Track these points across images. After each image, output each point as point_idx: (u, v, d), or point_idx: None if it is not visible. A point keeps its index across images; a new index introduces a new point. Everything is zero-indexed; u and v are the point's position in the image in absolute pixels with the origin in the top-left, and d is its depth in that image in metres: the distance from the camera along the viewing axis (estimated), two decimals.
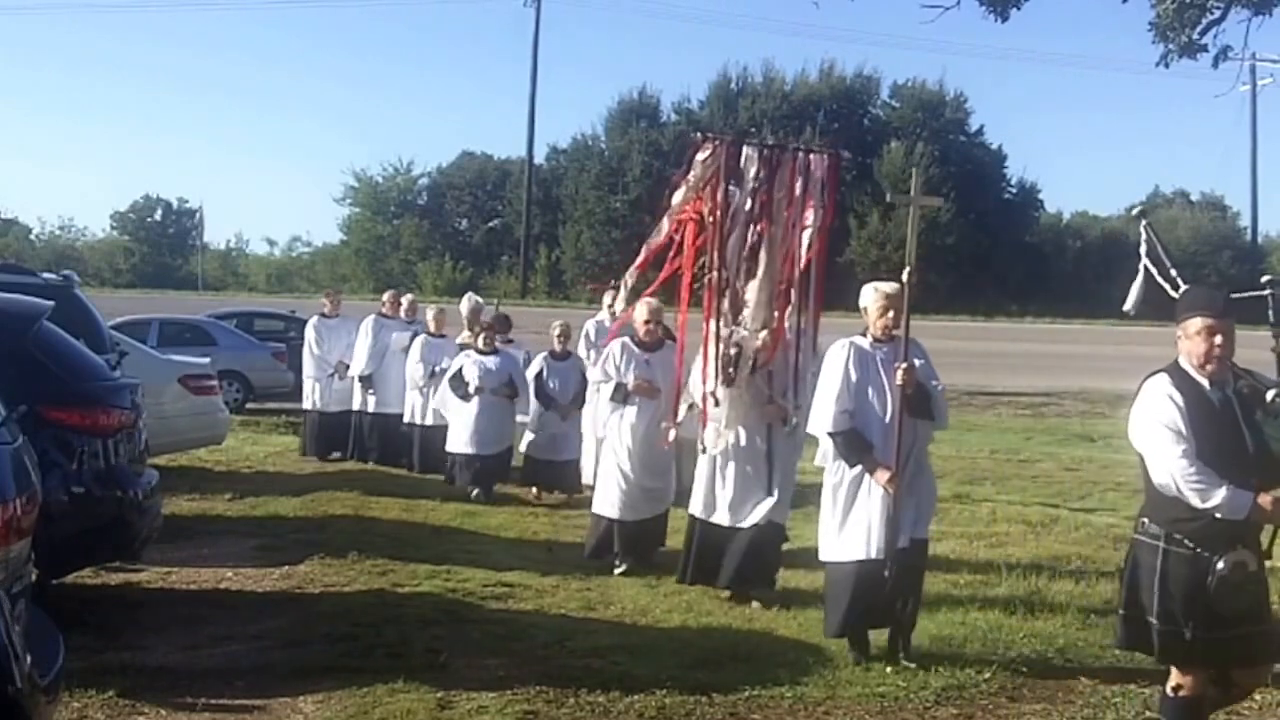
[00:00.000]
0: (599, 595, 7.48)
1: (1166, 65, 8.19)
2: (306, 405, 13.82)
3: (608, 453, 8.48)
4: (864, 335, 6.24)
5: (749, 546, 7.28)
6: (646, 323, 8.47)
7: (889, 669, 5.92)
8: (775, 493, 7.31)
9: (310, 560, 8.08)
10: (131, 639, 6.17)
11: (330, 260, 68.84)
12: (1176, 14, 7.72)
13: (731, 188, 7.18)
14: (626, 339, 8.51)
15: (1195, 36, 7.92)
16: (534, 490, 11.52)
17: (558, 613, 7.05)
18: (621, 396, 8.34)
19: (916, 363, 6.09)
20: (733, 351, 7.26)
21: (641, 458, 8.27)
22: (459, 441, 11.52)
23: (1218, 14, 7.90)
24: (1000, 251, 54.31)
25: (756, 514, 7.29)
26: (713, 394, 7.26)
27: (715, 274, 7.23)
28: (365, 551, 8.29)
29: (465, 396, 11.35)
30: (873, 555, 5.98)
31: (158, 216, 73.56)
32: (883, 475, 5.98)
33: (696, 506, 7.49)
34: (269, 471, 12.61)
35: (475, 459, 11.41)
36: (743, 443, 7.34)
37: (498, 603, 7.23)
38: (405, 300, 14.13)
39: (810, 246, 7.30)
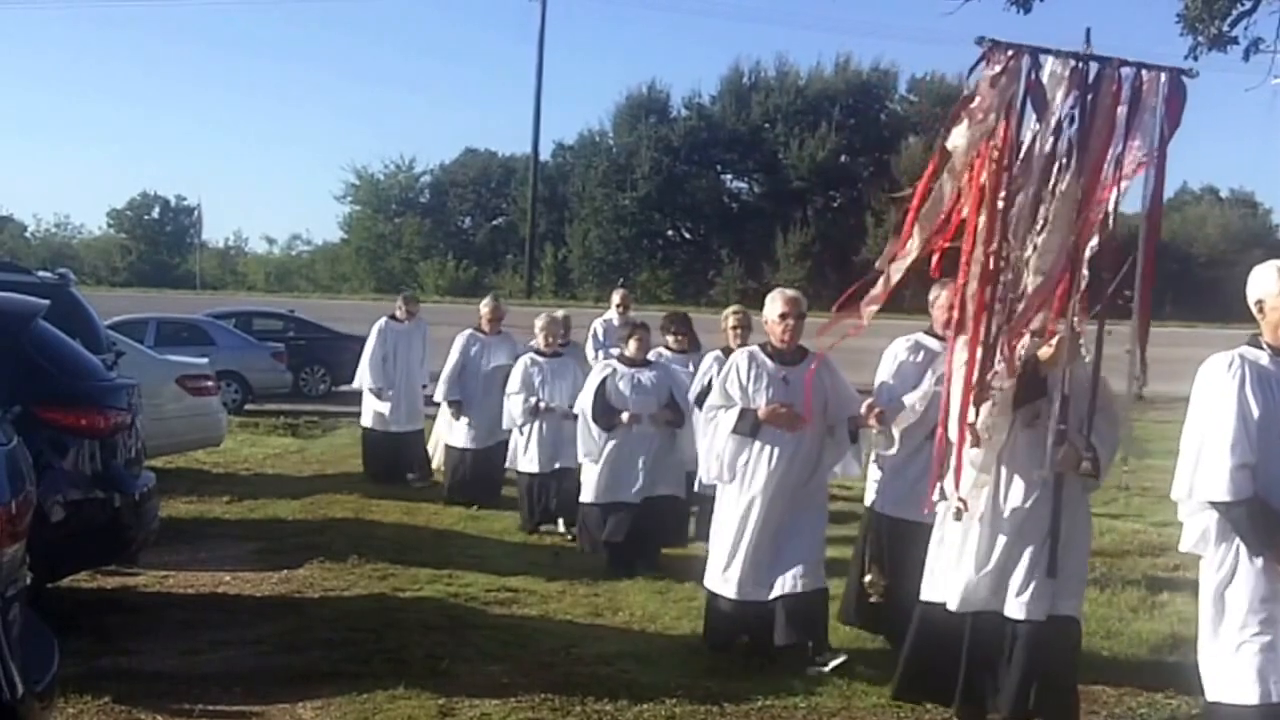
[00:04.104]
0: (606, 601, 7.39)
1: (1195, 58, 8.03)
2: (365, 422, 12.32)
3: (729, 505, 6.20)
4: (1257, 345, 4.10)
5: (1030, 652, 4.96)
6: (784, 318, 6.15)
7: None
8: (1062, 574, 4.99)
9: (310, 564, 8.01)
10: (128, 643, 6.09)
11: (331, 259, 68.87)
12: (1205, 6, 7.61)
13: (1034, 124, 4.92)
14: (755, 348, 6.34)
15: (1225, 29, 7.81)
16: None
17: (563, 619, 6.97)
18: (749, 428, 6.06)
19: None
20: (1011, 362, 4.91)
21: (776, 515, 6.04)
22: (596, 487, 8.31)
23: (1248, 6, 7.80)
24: None
25: (1035, 604, 4.96)
26: (973, 426, 4.88)
27: (993, 251, 4.89)
28: (366, 555, 8.22)
29: (611, 426, 8.24)
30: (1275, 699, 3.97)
31: (155, 214, 73.56)
32: None
33: (937, 589, 5.17)
34: (268, 473, 12.55)
35: (622, 509, 8.22)
36: (1013, 499, 4.99)
37: (501, 608, 7.15)
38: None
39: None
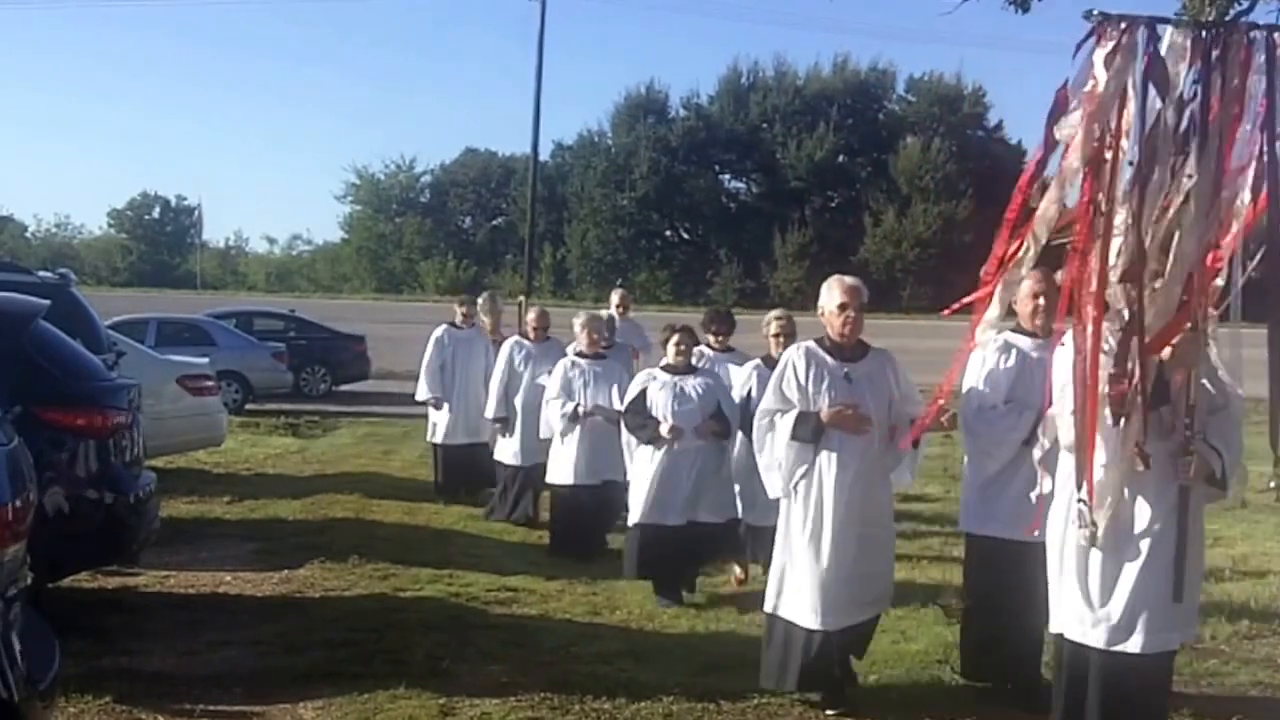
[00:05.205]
0: (605, 600, 7.41)
1: None
2: (431, 437, 11.47)
3: (795, 520, 5.46)
4: None
5: (1139, 680, 4.53)
6: (843, 309, 5.45)
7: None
8: (1183, 596, 4.49)
9: (310, 564, 7.99)
10: (128, 643, 6.09)
11: (331, 259, 69.03)
12: (1204, 4, 7.60)
13: (1154, 101, 4.34)
14: (812, 343, 5.58)
15: None
16: (738, 570, 7.96)
17: (563, 618, 6.97)
18: (809, 433, 5.38)
19: None
20: (1132, 366, 4.34)
21: (845, 530, 5.34)
22: (640, 508, 7.47)
23: (1246, 4, 7.79)
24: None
25: (1166, 634, 4.50)
26: (1138, 449, 4.34)
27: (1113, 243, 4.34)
28: (366, 555, 8.20)
29: (651, 439, 7.42)
30: None
31: (156, 214, 73.70)
32: None
33: (1061, 620, 4.66)
34: (268, 473, 12.52)
35: (665, 532, 7.38)
36: (1139, 519, 4.47)
37: (501, 608, 7.15)
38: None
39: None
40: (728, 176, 60.22)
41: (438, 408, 11.21)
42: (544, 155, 57.52)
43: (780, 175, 56.58)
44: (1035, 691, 5.32)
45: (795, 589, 5.39)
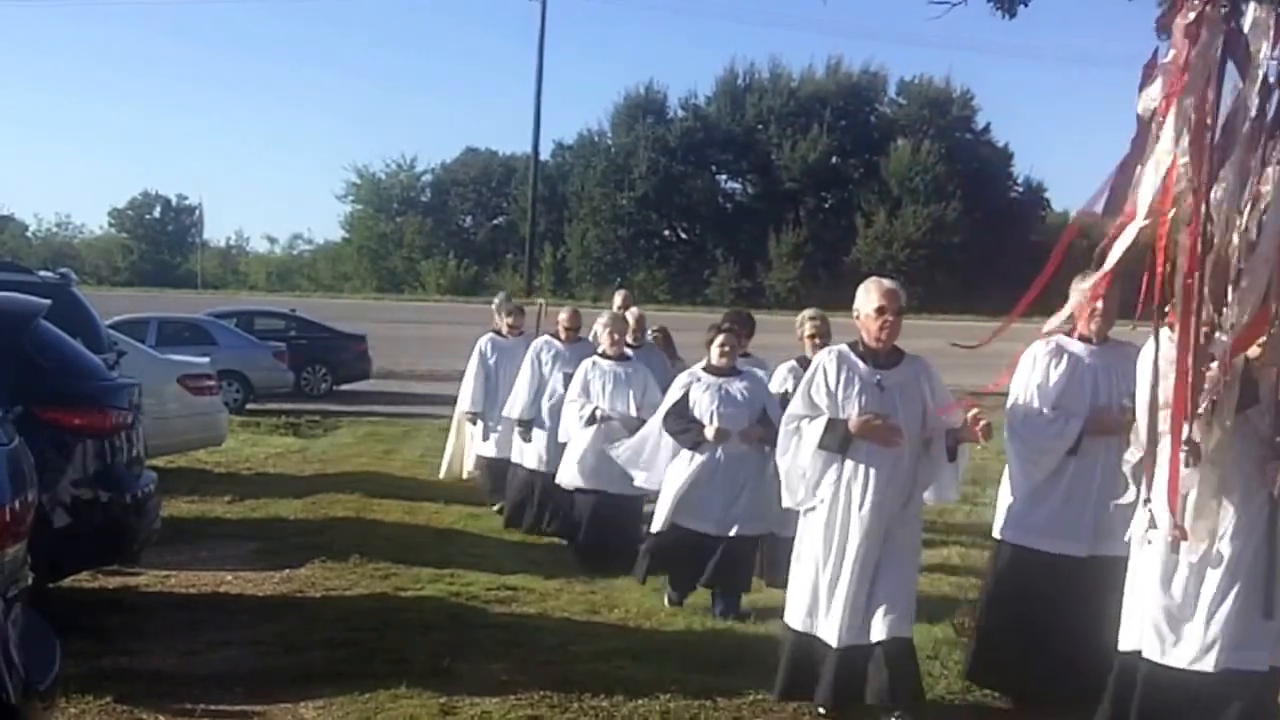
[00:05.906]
0: (603, 599, 7.42)
1: None
2: (482, 450, 10.89)
3: (816, 532, 5.23)
4: None
5: (1251, 708, 4.24)
6: (881, 313, 5.19)
7: None
8: (1275, 613, 4.23)
9: (311, 563, 8.00)
10: (129, 643, 6.10)
11: (332, 258, 68.95)
12: None
13: (1236, 84, 4.04)
14: (844, 347, 5.33)
15: None
16: None
17: (562, 616, 6.99)
18: (837, 443, 5.13)
19: None
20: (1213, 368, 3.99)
21: (868, 546, 5.10)
22: (668, 512, 7.08)
23: (1225, 10, 7.73)
24: (1007, 251, 54.12)
25: (1232, 649, 4.21)
26: (1188, 444, 3.99)
27: (1198, 235, 3.97)
28: (367, 554, 8.20)
29: (696, 443, 7.04)
30: None
31: (156, 213, 73.61)
32: None
33: (1133, 636, 4.43)
34: (269, 473, 12.52)
35: (699, 540, 7.02)
36: (1224, 528, 4.20)
37: (501, 607, 7.16)
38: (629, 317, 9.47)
39: None
40: (724, 177, 60.33)
41: (472, 423, 10.93)
42: (544, 155, 57.74)
43: (775, 176, 56.67)
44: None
45: (812, 603, 5.20)
